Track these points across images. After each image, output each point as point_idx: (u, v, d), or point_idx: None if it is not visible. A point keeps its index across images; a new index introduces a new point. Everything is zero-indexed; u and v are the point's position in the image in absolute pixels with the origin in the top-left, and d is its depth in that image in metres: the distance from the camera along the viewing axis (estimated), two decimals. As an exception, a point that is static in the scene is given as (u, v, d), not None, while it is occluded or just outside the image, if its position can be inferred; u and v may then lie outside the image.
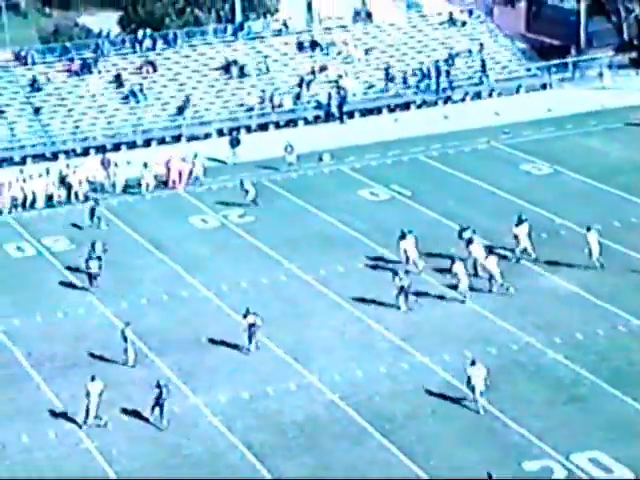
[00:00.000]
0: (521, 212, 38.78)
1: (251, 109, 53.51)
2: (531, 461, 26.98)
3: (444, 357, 31.75)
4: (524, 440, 27.81)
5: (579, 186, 44.31)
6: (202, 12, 61.00)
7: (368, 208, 43.08)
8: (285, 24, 58.00)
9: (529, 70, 57.92)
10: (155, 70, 54.46)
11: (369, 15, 59.05)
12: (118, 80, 53.55)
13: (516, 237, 37.28)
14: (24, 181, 44.92)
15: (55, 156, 49.98)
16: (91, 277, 36.77)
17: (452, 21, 59.35)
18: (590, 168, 45.63)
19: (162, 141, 51.84)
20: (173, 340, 33.37)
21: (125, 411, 29.75)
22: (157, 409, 28.99)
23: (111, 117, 52.24)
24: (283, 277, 37.41)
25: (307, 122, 53.73)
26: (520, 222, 37.55)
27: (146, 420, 29.16)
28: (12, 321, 35.01)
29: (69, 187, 44.97)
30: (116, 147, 50.85)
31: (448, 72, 55.92)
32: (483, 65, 56.51)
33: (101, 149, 50.16)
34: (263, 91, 54.07)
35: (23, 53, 54.08)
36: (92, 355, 32.61)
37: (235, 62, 55.12)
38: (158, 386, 29.02)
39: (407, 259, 36.75)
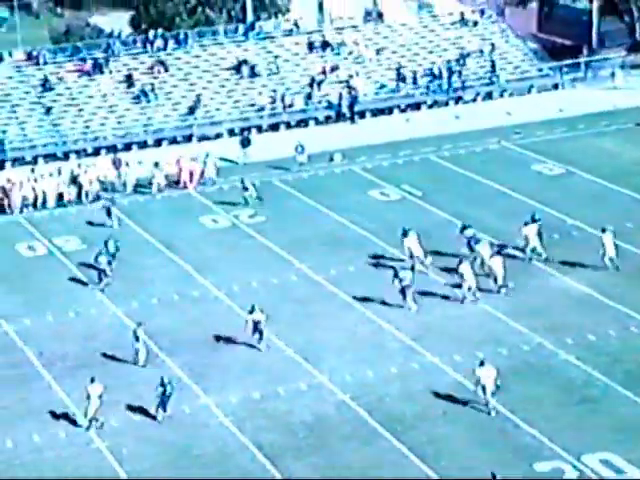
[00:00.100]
0: (534, 212, 38.71)
1: (262, 109, 53.51)
2: (542, 462, 26.90)
3: (455, 358, 31.68)
4: (535, 441, 27.73)
5: (591, 187, 44.18)
6: (213, 12, 61.05)
7: (379, 208, 43.03)
8: (296, 24, 57.99)
9: (541, 70, 57.79)
10: (166, 70, 54.50)
11: (380, 15, 59.00)
12: (129, 80, 53.62)
13: (526, 237, 37.20)
14: (35, 181, 45.02)
15: (66, 156, 50.06)
16: (100, 273, 36.89)
17: (463, 21, 59.26)
18: (602, 169, 45.49)
19: (173, 141, 51.88)
20: (184, 340, 33.38)
21: (136, 411, 29.75)
22: (168, 408, 29.03)
23: (122, 117, 52.31)
24: (294, 277, 37.39)
25: (318, 122, 53.71)
26: (532, 221, 37.48)
27: (155, 419, 29.17)
28: (23, 320, 35.07)
29: (80, 187, 45.05)
30: (127, 147, 50.91)
31: (460, 72, 55.83)
32: (493, 65, 56.40)
33: (112, 149, 50.24)
34: (274, 91, 54.08)
35: (35, 53, 54.19)
36: (103, 355, 32.64)
37: (246, 62, 55.14)
38: (162, 384, 29.05)
39: (411, 256, 36.77)
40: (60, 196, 44.79)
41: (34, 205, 44.45)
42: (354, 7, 59.50)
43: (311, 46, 56.70)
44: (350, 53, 56.76)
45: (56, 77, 53.23)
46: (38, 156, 49.92)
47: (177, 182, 46.04)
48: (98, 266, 36.84)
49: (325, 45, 56.77)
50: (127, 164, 46.51)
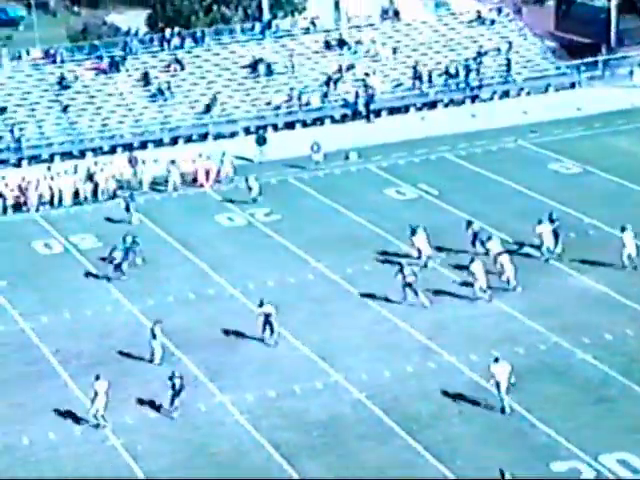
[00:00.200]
0: (551, 211, 38.59)
1: (278, 107, 53.49)
2: (559, 462, 26.78)
3: (471, 357, 31.58)
4: (552, 441, 27.61)
5: (608, 186, 43.97)
6: (229, 10, 61.08)
7: (395, 207, 42.94)
8: (313, 22, 57.96)
9: (558, 69, 57.57)
10: (183, 68, 54.56)
11: (397, 13, 58.88)
12: (146, 78, 53.69)
13: (540, 235, 37.07)
14: (52, 179, 45.14)
15: (83, 154, 50.18)
16: (117, 267, 37.07)
17: (480, 19, 59.10)
18: (619, 168, 45.26)
19: (189, 139, 51.92)
20: (199, 338, 33.39)
21: (151, 409, 29.77)
22: (176, 400, 29.10)
23: (139, 115, 52.39)
24: (310, 276, 37.35)
25: (334, 120, 53.65)
26: (549, 221, 37.38)
27: (171, 417, 29.22)
28: (40, 318, 35.17)
29: (96, 185, 45.14)
30: (143, 145, 50.98)
31: (478, 70, 55.70)
32: (508, 64, 56.23)
33: (128, 147, 50.33)
34: (291, 89, 54.05)
35: (52, 51, 54.35)
36: (119, 352, 32.68)
37: (262, 60, 55.13)
38: (171, 379, 29.10)
39: (420, 254, 36.74)
40: (76, 194, 44.91)
41: (50, 203, 44.58)
42: (371, 5, 59.41)
43: (327, 44, 56.65)
44: (367, 51, 56.68)
45: (73, 75, 53.35)
46: (55, 154, 50.07)
47: (194, 180, 46.09)
48: (114, 262, 37.00)
49: (341, 43, 56.71)
50: (143, 162, 46.59)
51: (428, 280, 35.99)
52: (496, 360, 28.96)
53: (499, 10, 60.07)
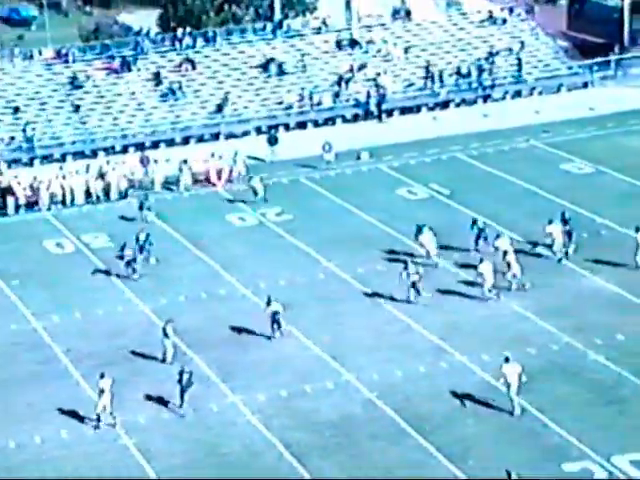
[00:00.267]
0: (564, 211, 38.52)
1: (290, 107, 53.48)
2: (571, 463, 26.70)
3: (483, 357, 31.51)
4: (564, 441, 27.53)
5: (620, 186, 43.83)
6: (240, 9, 61.10)
7: (406, 207, 42.88)
8: (324, 22, 57.93)
9: (570, 68, 57.42)
10: (194, 68, 54.59)
11: (408, 13, 58.80)
12: (157, 78, 53.74)
13: (550, 235, 36.98)
14: (64, 178, 45.21)
15: (94, 153, 50.23)
16: (128, 264, 37.20)
17: (492, 19, 58.98)
18: (632, 168, 45.09)
19: (201, 139, 51.94)
20: (211, 338, 33.40)
21: (163, 408, 29.78)
22: (185, 397, 29.18)
23: (150, 115, 52.44)
24: (321, 275, 37.32)
25: (345, 120, 53.61)
26: (563, 221, 37.32)
27: (180, 414, 29.27)
28: (51, 317, 35.22)
29: (108, 184, 45.20)
30: (155, 145, 51.01)
31: (491, 70, 55.60)
32: (519, 64, 56.10)
33: (140, 146, 50.38)
34: (302, 89, 54.03)
35: (64, 51, 54.44)
36: (131, 352, 32.71)
37: (274, 60, 55.12)
38: (180, 374, 29.13)
39: (427, 253, 36.74)
40: (88, 193, 44.99)
41: (62, 202, 44.65)
42: (382, 5, 59.35)
43: (339, 44, 56.61)
44: (378, 51, 56.62)
45: (84, 75, 53.43)
46: (66, 154, 50.14)
47: (207, 180, 46.11)
48: (126, 259, 37.15)
49: (353, 43, 56.66)
50: (155, 162, 46.63)
51: (440, 280, 35.95)
52: (507, 360, 28.89)
53: (511, 10, 59.93)
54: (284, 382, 30.82)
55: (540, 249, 37.71)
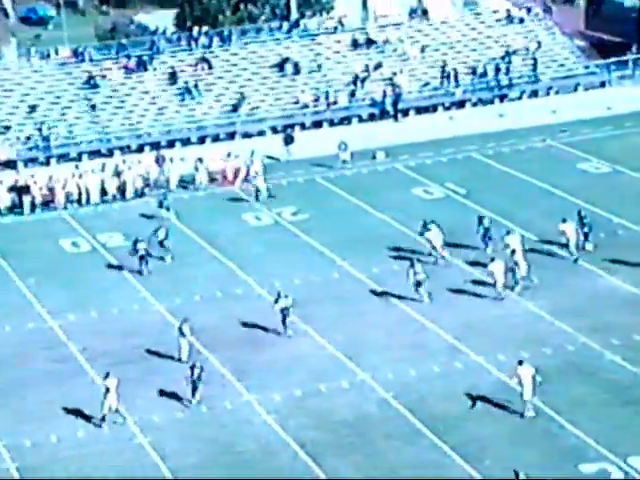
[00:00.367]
0: (580, 209, 38.39)
1: (305, 106, 53.45)
2: (588, 464, 26.56)
3: (498, 357, 31.40)
4: (580, 442, 27.40)
5: (637, 185, 43.61)
6: (256, 8, 61.11)
7: (422, 206, 42.77)
8: (340, 22, 57.87)
9: (587, 68, 57.20)
10: (210, 67, 54.62)
11: (425, 12, 58.69)
12: (173, 77, 53.81)
13: (563, 233, 36.84)
14: (80, 177, 45.30)
15: (110, 152, 50.35)
16: (141, 259, 37.32)
17: (509, 19, 58.81)
18: (649, 167, 44.96)
19: (216, 138, 51.98)
20: (226, 337, 33.39)
21: (178, 407, 29.79)
22: (197, 394, 29.24)
23: (166, 114, 52.50)
24: (336, 275, 37.28)
25: (361, 120, 53.56)
26: (580, 220, 37.20)
27: (187, 405, 29.36)
28: (67, 316, 35.29)
29: (123, 183, 45.28)
30: (170, 144, 51.08)
31: (508, 69, 55.44)
32: (534, 64, 55.91)
33: (156, 145, 50.44)
34: (317, 88, 54.00)
35: (80, 50, 54.55)
36: (146, 351, 32.73)
37: (289, 59, 55.10)
38: (192, 368, 29.16)
39: (434, 249, 36.78)
40: (104, 192, 45.07)
41: (78, 201, 44.75)
42: (399, 4, 59.24)
43: (355, 43, 56.55)
44: (394, 50, 56.54)
45: (101, 74, 53.53)
46: (83, 153, 50.27)
47: (223, 179, 46.13)
48: (138, 254, 37.31)
49: (369, 42, 56.59)
50: (171, 160, 46.69)
51: (455, 280, 35.86)
52: (520, 363, 28.74)
53: (528, 9, 59.73)
54: (299, 381, 30.80)
55: (555, 249, 37.54)
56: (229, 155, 46.60)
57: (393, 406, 29.53)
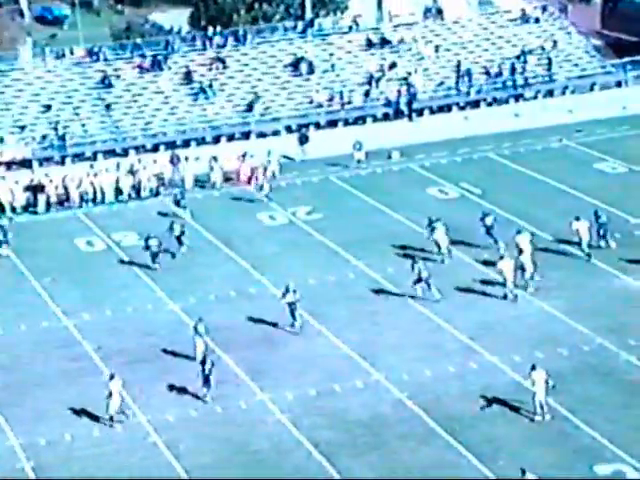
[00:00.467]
0: (596, 209, 38.25)
1: (320, 106, 53.40)
2: (603, 464, 26.45)
3: (514, 357, 31.28)
4: (596, 443, 27.27)
5: (654, 185, 43.46)
6: (271, 7, 61.11)
7: (437, 206, 42.65)
8: (355, 21, 57.81)
9: (604, 67, 56.97)
10: (225, 67, 54.63)
11: (440, 12, 58.55)
12: (188, 77, 53.82)
13: (577, 232, 36.69)
14: (94, 176, 45.37)
15: (125, 152, 50.40)
16: (154, 256, 37.50)
17: (525, 18, 58.63)
18: (666, 167, 44.75)
19: (231, 137, 51.97)
20: (240, 337, 33.37)
21: (192, 406, 29.77)
22: (209, 391, 29.27)
23: (181, 113, 52.53)
24: (351, 275, 37.21)
25: (376, 119, 53.48)
26: (596, 220, 37.08)
27: (204, 400, 29.37)
28: (82, 315, 35.33)
29: (138, 181, 45.33)
30: (185, 143, 51.10)
31: (524, 69, 55.27)
32: (549, 63, 55.71)
33: (170, 145, 50.48)
34: (332, 88, 53.94)
35: (95, 50, 54.62)
36: (161, 350, 32.74)
37: (304, 59, 55.06)
38: (202, 363, 29.15)
39: (439, 248, 36.65)
40: (119, 191, 45.14)
41: (93, 200, 44.82)
42: (413, 4, 59.14)
43: (370, 43, 56.48)
44: (409, 50, 56.44)
45: (116, 74, 53.60)
46: (98, 152, 50.34)
47: (238, 178, 46.12)
48: (150, 250, 37.47)
49: (384, 42, 56.51)
50: (186, 159, 46.70)
51: (470, 280, 35.75)
52: (533, 367, 28.55)
53: (544, 8, 59.55)
54: (313, 381, 30.74)
55: (570, 249, 37.38)
56: (244, 155, 46.59)
57: (408, 406, 29.45)
